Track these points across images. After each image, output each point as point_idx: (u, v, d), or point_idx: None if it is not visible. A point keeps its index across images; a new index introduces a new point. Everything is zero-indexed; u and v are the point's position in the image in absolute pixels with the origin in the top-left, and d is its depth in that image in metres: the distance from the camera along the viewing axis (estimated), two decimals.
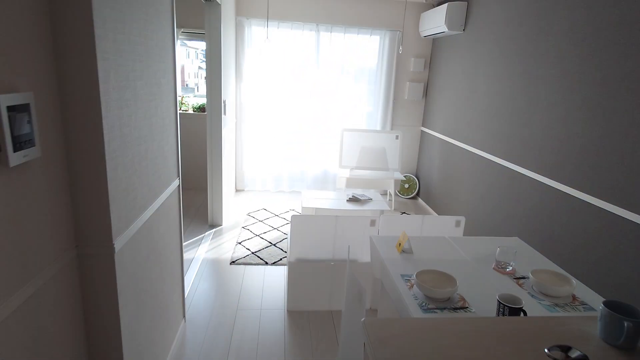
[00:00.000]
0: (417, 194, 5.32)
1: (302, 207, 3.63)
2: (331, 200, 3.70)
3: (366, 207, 3.61)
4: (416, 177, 5.37)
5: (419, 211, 4.85)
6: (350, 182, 4.79)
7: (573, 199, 2.52)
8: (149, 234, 1.84)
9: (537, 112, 2.91)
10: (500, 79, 3.41)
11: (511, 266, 1.78)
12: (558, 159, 2.66)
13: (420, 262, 1.83)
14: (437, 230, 2.62)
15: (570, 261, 2.51)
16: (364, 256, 2.71)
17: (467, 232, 3.86)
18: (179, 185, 2.36)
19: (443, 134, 4.54)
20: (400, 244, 1.95)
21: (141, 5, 1.66)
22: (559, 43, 2.66)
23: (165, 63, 2.02)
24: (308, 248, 2.66)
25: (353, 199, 3.74)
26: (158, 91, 1.92)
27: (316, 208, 3.59)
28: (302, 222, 2.59)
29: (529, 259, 1.91)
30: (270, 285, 3.08)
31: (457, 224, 2.64)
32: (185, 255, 3.45)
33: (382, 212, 3.60)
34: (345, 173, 4.74)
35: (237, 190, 5.23)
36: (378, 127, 5.18)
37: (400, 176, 4.75)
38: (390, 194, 5.28)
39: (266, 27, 4.75)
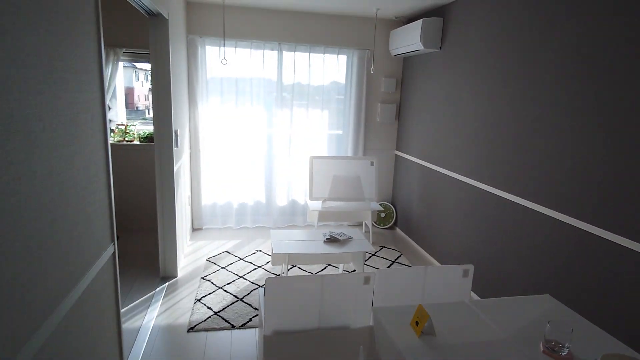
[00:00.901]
0: (395, 223, 4.93)
1: (273, 254, 3.09)
2: (306, 242, 3.19)
3: (347, 248, 3.13)
4: (392, 205, 4.99)
5: (399, 244, 4.44)
6: (323, 216, 4.31)
7: (589, 235, 2.18)
8: (62, 341, 1.24)
9: (533, 136, 2.60)
10: (487, 100, 3.11)
11: (567, 348, 1.36)
12: (566, 189, 2.34)
13: (450, 350, 1.36)
14: (443, 283, 2.18)
15: (600, 313, 2.15)
16: (358, 320, 2.21)
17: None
18: (115, 252, 1.76)
19: (422, 159, 4.20)
20: (418, 323, 1.48)
21: (43, 10, 1.11)
22: (549, 61, 2.38)
23: (87, 92, 1.46)
24: (288, 317, 2.12)
25: (331, 240, 3.25)
26: (75, 133, 1.35)
27: (290, 254, 3.06)
28: (279, 286, 2.06)
29: (583, 334, 1.50)
30: (239, 355, 2.50)
31: (465, 273, 2.22)
32: (130, 324, 2.79)
33: (366, 254, 3.13)
34: (317, 206, 4.26)
35: (194, 229, 4.59)
36: (349, 152, 4.77)
37: (377, 206, 4.34)
38: (366, 226, 4.85)
39: (222, 47, 4.24)
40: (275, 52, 4.39)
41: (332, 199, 4.29)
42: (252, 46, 4.29)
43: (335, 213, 4.32)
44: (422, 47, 3.78)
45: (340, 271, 3.59)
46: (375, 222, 4.92)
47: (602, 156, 2.12)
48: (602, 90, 2.12)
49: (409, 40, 3.97)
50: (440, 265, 3.78)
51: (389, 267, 3.78)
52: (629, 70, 1.96)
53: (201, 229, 4.62)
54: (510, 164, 2.82)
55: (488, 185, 3.07)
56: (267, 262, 3.78)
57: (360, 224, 4.97)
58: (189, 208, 4.27)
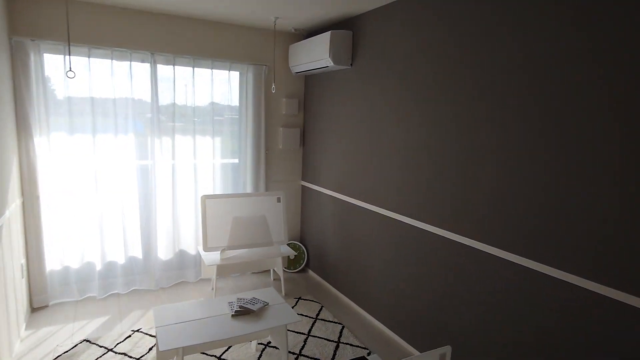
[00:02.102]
0: (307, 264, 4.26)
1: (159, 352, 2.13)
2: (206, 322, 2.30)
3: (265, 322, 2.34)
4: (302, 243, 4.32)
5: (317, 292, 3.78)
6: (223, 270, 3.42)
7: (540, 275, 1.81)
8: None
9: (470, 164, 2.21)
10: (411, 124, 2.68)
11: None
12: (508, 225, 1.96)
13: None
14: None
15: None
16: None
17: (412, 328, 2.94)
18: None
19: (335, 191, 3.64)
20: None
21: None
22: (471, 78, 2.03)
23: None
24: None
25: (242, 311, 2.42)
26: None
27: (184, 347, 2.14)
28: None
29: None
30: None
31: (443, 357, 1.64)
32: None
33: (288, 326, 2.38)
34: (214, 258, 3.36)
35: (33, 310, 3.24)
36: (248, 184, 3.98)
37: (289, 250, 3.62)
38: (275, 273, 4.08)
39: (67, 55, 3.12)
40: (147, 65, 3.41)
41: (233, 247, 3.43)
42: (114, 56, 3.26)
43: (238, 265, 3.47)
44: (332, 64, 3.25)
45: (252, 349, 2.75)
46: (284, 267, 4.19)
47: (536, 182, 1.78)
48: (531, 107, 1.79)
49: (315, 55, 3.41)
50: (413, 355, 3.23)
51: (311, 326, 3.07)
52: (555, 89, 1.65)
53: (46, 306, 3.30)
54: (441, 197, 2.40)
55: (422, 222, 2.61)
56: (150, 350, 2.74)
57: (267, 271, 4.18)
58: (23, 281, 2.97)
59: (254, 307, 2.47)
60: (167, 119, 3.57)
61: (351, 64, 3.33)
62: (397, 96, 2.83)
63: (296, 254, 4.08)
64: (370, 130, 3.13)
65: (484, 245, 2.21)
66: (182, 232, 3.79)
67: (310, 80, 4.01)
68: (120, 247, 3.55)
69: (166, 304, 3.40)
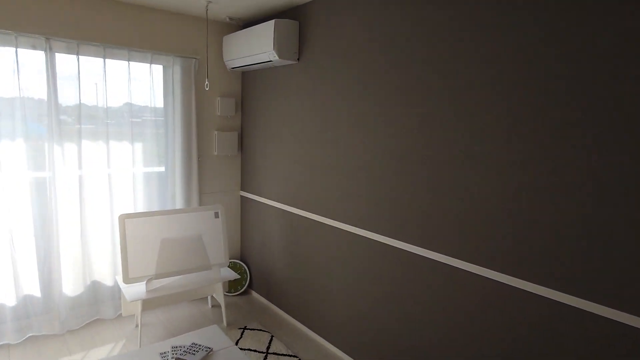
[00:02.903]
0: (249, 285, 3.77)
1: None
2: None
3: None
4: (243, 262, 3.83)
5: (264, 318, 3.31)
6: (150, 304, 2.83)
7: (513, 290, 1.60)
8: None
9: (441, 171, 1.96)
10: (375, 127, 2.37)
11: None
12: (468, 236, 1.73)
13: None
14: None
15: None
16: None
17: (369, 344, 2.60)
18: None
19: (282, 202, 3.22)
20: None
21: None
22: (448, 77, 1.80)
23: None
24: None
25: None
26: None
27: None
28: None
29: None
30: None
31: None
32: None
33: None
34: (138, 291, 2.75)
35: None
36: (179, 197, 3.39)
37: (230, 274, 3.12)
38: (214, 299, 3.53)
39: None
40: (40, 54, 2.70)
41: (162, 276, 2.85)
42: None
43: (169, 296, 2.89)
44: (276, 58, 2.83)
45: None
46: (224, 290, 3.66)
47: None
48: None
49: (256, 47, 2.96)
50: None
51: None
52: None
53: None
54: (409, 207, 2.11)
55: (388, 237, 2.31)
56: None
57: (205, 299, 3.61)
58: None
59: (196, 355, 1.96)
60: (73, 120, 2.88)
61: (298, 59, 2.94)
62: (353, 95, 2.50)
63: (238, 276, 3.59)
64: (323, 133, 2.76)
65: (455, 260, 1.96)
66: (94, 260, 3.09)
67: (249, 77, 3.54)
68: (9, 285, 2.77)
69: (76, 353, 2.71)
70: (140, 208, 3.26)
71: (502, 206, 1.80)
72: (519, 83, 1.71)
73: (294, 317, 3.19)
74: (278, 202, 3.27)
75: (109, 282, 3.16)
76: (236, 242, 3.83)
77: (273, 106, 3.26)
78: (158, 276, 2.84)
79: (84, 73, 2.88)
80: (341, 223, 2.65)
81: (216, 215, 3.13)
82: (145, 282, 2.81)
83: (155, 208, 3.34)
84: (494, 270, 1.84)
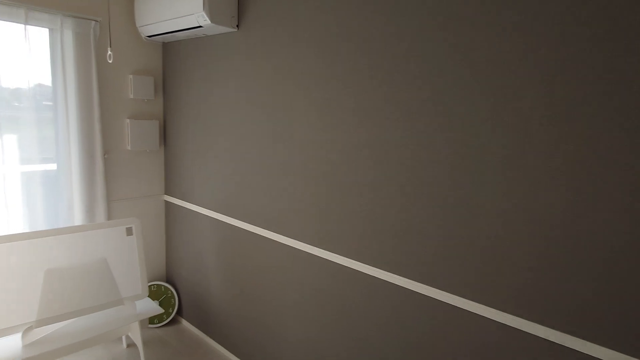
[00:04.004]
0: (179, 312, 3.04)
1: None
2: None
3: None
4: (170, 284, 3.07)
5: (194, 351, 2.61)
6: None
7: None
8: None
9: (422, 174, 1.44)
10: (341, 118, 1.77)
11: None
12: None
13: None
14: None
15: None
16: None
17: None
18: None
19: (219, 211, 2.52)
20: None
21: None
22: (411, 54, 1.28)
23: None
24: None
25: None
26: None
27: None
28: None
29: None
30: None
31: None
32: None
33: None
34: (10, 347, 1.94)
35: None
36: (77, 207, 2.55)
37: (151, 309, 2.38)
38: (129, 338, 2.74)
39: None
40: None
41: (47, 322, 2.04)
42: None
43: (58, 350, 2.09)
44: (208, 22, 2.11)
45: None
46: (148, 320, 2.89)
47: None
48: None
49: (179, 8, 2.21)
50: None
51: None
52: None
53: None
54: (382, 225, 1.57)
55: (354, 260, 1.74)
56: None
57: (119, 340, 2.81)
58: None
59: None
60: None
61: (237, 26, 2.24)
62: (312, 74, 1.87)
63: (161, 310, 2.84)
64: (271, 126, 2.11)
65: (426, 287, 1.45)
66: None
67: (172, 50, 2.75)
68: None
69: None
70: (21, 221, 2.38)
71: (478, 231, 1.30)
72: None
73: (235, 355, 2.53)
74: (212, 210, 2.56)
75: None
76: (161, 259, 3.06)
77: (205, 89, 2.53)
78: (41, 323, 2.03)
79: None
80: (290, 239, 2.04)
81: (129, 231, 2.36)
82: (21, 333, 1.98)
83: (40, 224, 2.47)
84: (446, 291, 1.35)
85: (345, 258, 1.83)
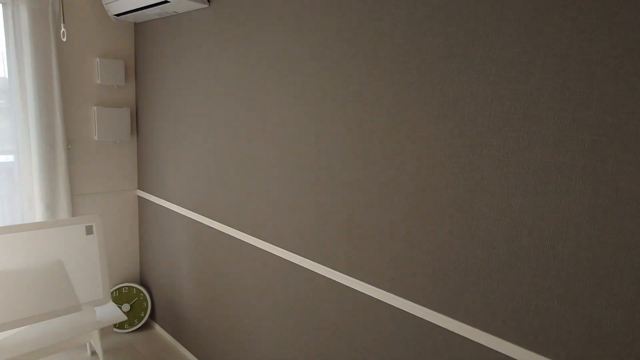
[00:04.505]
0: (151, 316, 2.82)
1: None
2: None
3: None
4: (143, 286, 2.85)
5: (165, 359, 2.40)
6: None
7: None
8: None
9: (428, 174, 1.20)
10: (326, 106, 1.54)
11: None
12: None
13: None
14: None
15: None
16: None
17: None
18: None
19: (191, 209, 2.29)
20: None
21: None
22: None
23: None
24: None
25: None
26: None
27: None
28: None
29: None
30: None
31: None
32: None
33: None
34: None
35: None
36: (38, 202, 2.32)
37: (114, 315, 2.16)
38: (92, 346, 2.52)
39: None
40: None
41: None
42: None
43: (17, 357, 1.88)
44: None
45: None
46: (115, 324, 2.67)
47: None
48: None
49: None
50: None
51: None
52: None
53: None
54: (373, 232, 1.34)
55: (341, 272, 1.51)
56: None
57: (84, 348, 2.59)
58: None
59: None
60: None
61: (208, 1, 1.99)
62: (293, 59, 1.63)
63: (124, 317, 2.63)
64: (247, 114, 1.87)
65: (417, 306, 1.21)
66: None
67: (144, 30, 2.51)
68: None
69: None
70: None
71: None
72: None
73: None
74: (184, 207, 2.34)
75: None
76: (134, 260, 2.84)
77: (177, 73, 2.29)
78: None
79: None
80: (264, 242, 1.81)
81: (88, 230, 2.13)
82: None
83: None
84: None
85: (324, 267, 1.60)
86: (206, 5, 2.00)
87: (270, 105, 1.74)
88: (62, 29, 1.85)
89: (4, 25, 2.16)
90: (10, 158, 2.31)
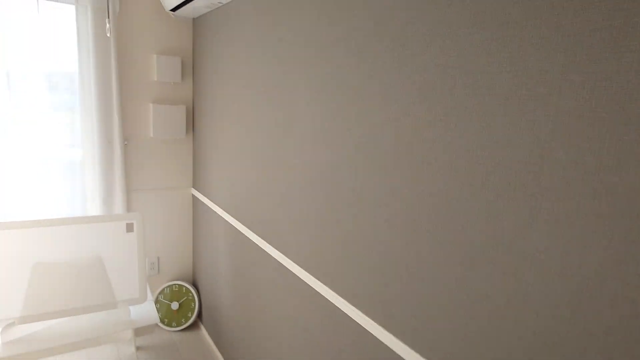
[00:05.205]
0: (199, 315, 2.78)
1: None
2: None
3: None
4: (194, 286, 2.83)
5: None
6: None
7: None
8: None
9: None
10: (372, 108, 1.22)
11: None
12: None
13: None
14: None
15: None
16: None
17: None
18: None
19: (228, 212, 2.15)
20: None
21: None
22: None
23: None
24: None
25: None
26: None
27: None
28: None
29: None
30: None
31: None
32: None
33: None
34: None
35: None
36: (96, 196, 2.40)
37: (147, 316, 2.12)
38: (147, 337, 2.55)
39: None
40: None
41: (31, 319, 1.89)
42: None
43: (39, 352, 1.93)
44: None
45: None
46: (163, 321, 2.68)
47: None
48: None
49: None
50: None
51: None
52: None
53: None
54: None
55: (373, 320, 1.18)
56: None
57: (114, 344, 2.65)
58: None
59: None
60: None
61: None
62: (342, 44, 1.35)
63: (156, 321, 2.60)
64: (274, 112, 1.64)
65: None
66: None
67: (201, 25, 2.44)
68: None
69: None
70: (34, 212, 2.31)
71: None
72: None
73: None
74: (226, 211, 2.20)
75: None
76: (187, 258, 2.82)
77: (221, 69, 2.16)
78: (24, 320, 1.88)
79: None
80: (304, 271, 1.55)
81: (129, 227, 2.11)
82: (0, 329, 1.86)
83: (56, 212, 2.37)
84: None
85: (358, 311, 1.29)
86: None
87: (295, 101, 1.48)
88: (107, 25, 1.83)
89: (76, 25, 2.25)
90: (77, 152, 2.43)
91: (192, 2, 2.05)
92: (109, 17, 2.01)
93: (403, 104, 1.03)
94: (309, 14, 1.39)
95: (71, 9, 2.22)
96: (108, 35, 1.86)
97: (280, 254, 1.65)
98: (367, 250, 1.19)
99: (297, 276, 1.55)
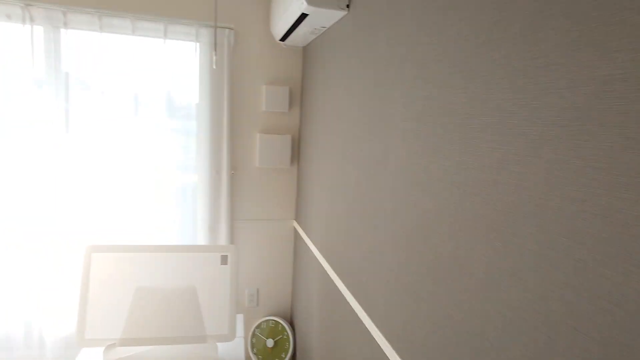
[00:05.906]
0: (293, 356, 2.60)
1: None
2: None
3: None
4: (290, 324, 2.68)
5: None
6: None
7: None
8: None
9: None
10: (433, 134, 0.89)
11: None
12: None
13: None
14: None
15: None
16: None
17: None
18: None
19: (323, 254, 1.94)
20: None
21: None
22: None
23: None
24: None
25: None
26: None
27: None
28: None
29: None
30: None
31: None
32: None
33: None
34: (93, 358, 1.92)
35: None
36: (201, 224, 2.46)
37: (237, 354, 2.02)
38: None
39: None
40: (39, 29, 2.11)
41: (129, 343, 1.95)
42: None
43: None
44: (305, 4, 1.58)
45: None
46: (255, 354, 2.58)
47: None
48: None
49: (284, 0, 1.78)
50: None
51: None
52: None
53: None
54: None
55: None
56: None
57: None
58: None
59: None
60: (77, 110, 2.24)
61: (348, 6, 1.62)
62: (455, 70, 1.06)
63: (269, 330, 2.48)
64: (369, 144, 1.39)
65: None
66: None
67: (309, 53, 2.36)
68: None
69: None
70: (144, 235, 2.46)
71: None
72: None
73: None
74: (318, 250, 2.00)
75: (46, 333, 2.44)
76: (286, 293, 2.70)
77: (323, 97, 2.01)
78: (124, 342, 1.94)
79: (106, 51, 2.19)
80: (394, 353, 1.23)
81: (223, 260, 2.07)
82: (105, 347, 1.95)
83: (163, 239, 2.49)
84: None
85: None
86: (345, 11, 1.63)
87: (389, 131, 1.20)
88: (214, 56, 1.86)
89: (199, 60, 2.38)
90: (193, 179, 2.54)
91: (297, 29, 1.96)
92: (215, 51, 2.05)
93: (530, 137, 0.68)
94: (408, 27, 1.12)
95: (193, 45, 2.36)
96: (214, 67, 1.89)
97: (371, 322, 1.35)
98: (473, 342, 0.82)
99: (376, 341, 1.23)
